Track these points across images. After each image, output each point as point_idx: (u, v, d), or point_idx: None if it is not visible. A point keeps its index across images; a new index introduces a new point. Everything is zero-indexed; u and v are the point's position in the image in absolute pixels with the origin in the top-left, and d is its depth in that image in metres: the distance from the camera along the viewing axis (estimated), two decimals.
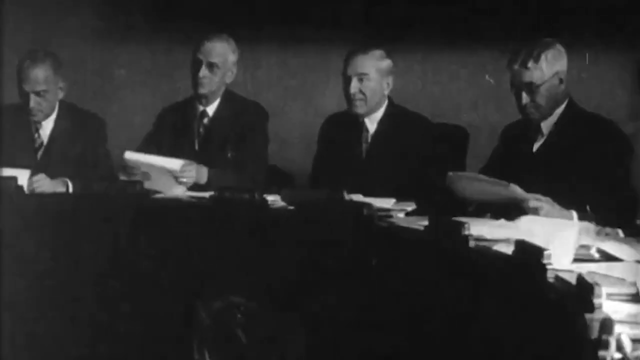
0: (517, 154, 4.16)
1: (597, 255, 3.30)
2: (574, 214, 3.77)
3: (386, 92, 4.66)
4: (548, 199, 3.77)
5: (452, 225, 3.28)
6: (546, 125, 4.08)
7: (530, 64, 4.00)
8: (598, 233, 3.58)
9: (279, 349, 3.82)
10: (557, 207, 3.77)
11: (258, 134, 4.86)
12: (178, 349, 4.03)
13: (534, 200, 3.75)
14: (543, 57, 4.01)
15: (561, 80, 4.05)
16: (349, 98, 4.62)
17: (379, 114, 4.66)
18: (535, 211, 3.71)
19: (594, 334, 2.26)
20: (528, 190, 3.84)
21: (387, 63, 4.64)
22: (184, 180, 4.50)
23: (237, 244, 3.97)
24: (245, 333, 3.88)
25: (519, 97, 4.06)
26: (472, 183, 3.90)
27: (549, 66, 4.02)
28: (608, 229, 3.60)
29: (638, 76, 3.65)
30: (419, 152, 4.54)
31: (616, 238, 3.55)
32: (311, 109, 5.74)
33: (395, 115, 4.67)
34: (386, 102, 4.67)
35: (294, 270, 3.80)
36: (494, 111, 5.51)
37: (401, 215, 3.93)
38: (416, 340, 3.34)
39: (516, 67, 4.04)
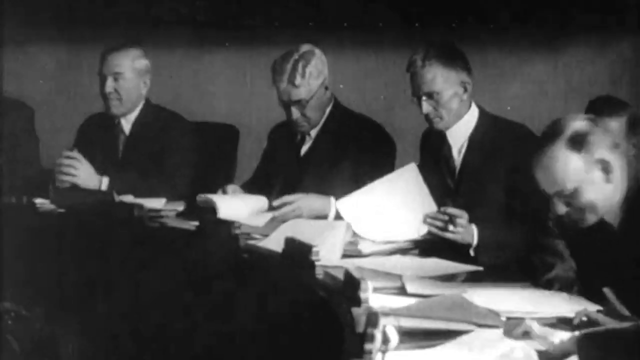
0: (285, 157, 4.18)
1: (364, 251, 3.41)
2: (332, 199, 3.86)
3: (143, 92, 4.57)
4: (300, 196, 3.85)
5: (222, 224, 3.29)
6: (314, 129, 4.12)
7: (297, 81, 3.99)
8: None
9: (51, 354, 3.73)
10: (313, 197, 3.85)
11: (26, 134, 4.71)
12: None
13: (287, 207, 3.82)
14: (308, 71, 4.00)
15: (326, 88, 4.09)
16: (105, 98, 4.52)
17: (134, 114, 4.57)
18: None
19: (361, 327, 2.31)
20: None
21: (143, 63, 4.55)
22: None
23: (5, 249, 3.84)
24: (16, 339, 3.76)
25: (288, 112, 4.06)
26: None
27: (315, 78, 4.02)
28: None
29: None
30: (178, 151, 4.49)
31: None
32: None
33: (151, 114, 4.58)
34: (143, 102, 4.58)
35: (67, 274, 3.72)
36: None
37: (172, 215, 3.91)
38: (193, 337, 3.34)
39: (283, 85, 4.02)
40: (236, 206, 3.78)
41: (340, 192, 3.93)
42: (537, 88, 5.12)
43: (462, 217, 3.49)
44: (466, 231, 3.51)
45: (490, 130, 3.78)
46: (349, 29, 5.05)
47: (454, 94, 3.72)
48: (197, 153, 4.51)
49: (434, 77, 3.71)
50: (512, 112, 4.02)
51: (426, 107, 3.72)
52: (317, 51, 4.05)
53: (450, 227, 3.47)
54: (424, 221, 3.48)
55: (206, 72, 5.54)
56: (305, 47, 4.04)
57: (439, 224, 3.48)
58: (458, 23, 4.89)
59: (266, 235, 3.47)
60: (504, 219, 3.68)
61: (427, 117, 3.75)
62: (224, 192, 3.94)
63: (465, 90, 3.74)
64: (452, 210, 3.50)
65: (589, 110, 3.55)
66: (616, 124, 3.48)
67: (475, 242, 3.52)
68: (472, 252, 3.51)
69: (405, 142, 4.22)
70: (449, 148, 3.79)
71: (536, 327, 2.50)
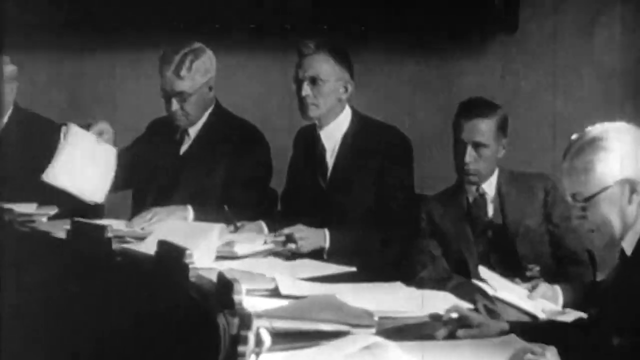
0: (165, 155, 4.15)
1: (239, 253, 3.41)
2: (189, 208, 3.86)
3: (11, 99, 4.50)
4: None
5: (93, 228, 3.25)
6: (193, 129, 4.10)
7: (183, 73, 3.98)
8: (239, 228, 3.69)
9: None
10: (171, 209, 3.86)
11: None
12: None
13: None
14: (195, 66, 4.00)
15: (210, 88, 4.08)
16: None
17: (3, 120, 4.48)
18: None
19: (234, 330, 2.30)
20: (165, 196, 3.90)
21: (11, 69, 4.49)
22: None
23: None
24: None
25: (168, 104, 4.04)
26: None
27: (201, 75, 4.02)
28: (247, 223, 3.71)
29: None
30: (50, 155, 4.42)
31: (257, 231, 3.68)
32: None
33: (20, 120, 4.51)
34: (11, 108, 4.52)
35: None
36: None
37: (44, 219, 3.85)
38: (65, 340, 3.30)
39: (168, 74, 4.01)
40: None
41: (215, 193, 3.94)
42: (409, 89, 5.18)
43: (298, 231, 3.54)
44: (310, 241, 3.56)
45: (363, 131, 3.83)
46: (221, 31, 5.04)
47: (335, 88, 3.77)
48: None
49: (323, 64, 3.77)
50: (382, 113, 4.06)
51: (307, 89, 3.76)
52: (209, 51, 4.06)
53: (293, 245, 3.52)
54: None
55: (81, 75, 5.46)
56: (197, 44, 4.05)
57: (282, 247, 3.53)
58: (330, 25, 4.92)
59: (141, 239, 3.45)
60: (374, 220, 3.73)
61: (303, 101, 3.77)
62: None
63: (346, 90, 3.79)
64: (285, 231, 3.56)
65: (460, 112, 3.62)
66: (486, 125, 3.55)
67: (327, 245, 3.58)
68: (325, 256, 3.56)
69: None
70: (322, 148, 3.82)
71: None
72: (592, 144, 2.68)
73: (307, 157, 3.88)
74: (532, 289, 3.05)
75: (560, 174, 2.75)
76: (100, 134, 3.94)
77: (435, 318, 2.71)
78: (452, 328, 2.62)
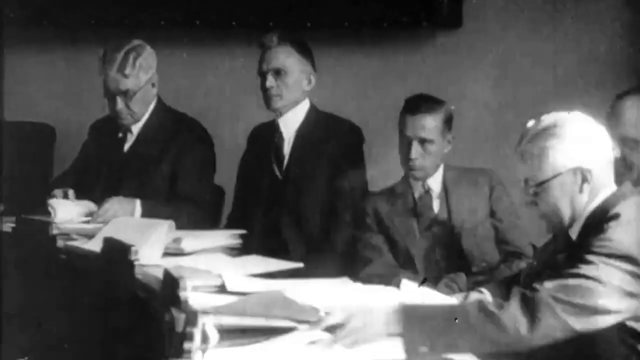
0: (108, 153, 4.12)
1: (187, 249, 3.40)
2: (137, 202, 3.86)
3: None
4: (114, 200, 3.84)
5: (38, 225, 3.23)
6: (136, 126, 4.08)
7: (127, 71, 3.96)
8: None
9: None
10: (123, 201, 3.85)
11: None
12: None
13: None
14: (138, 63, 3.98)
15: (153, 84, 4.06)
16: None
17: None
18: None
19: (180, 326, 2.30)
20: (110, 194, 3.89)
21: None
22: None
23: None
24: None
25: (112, 103, 4.01)
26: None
27: (144, 72, 4.00)
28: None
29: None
30: None
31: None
32: None
33: None
34: None
35: None
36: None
37: None
38: (9, 339, 3.27)
39: (112, 73, 3.97)
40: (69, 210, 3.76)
41: (160, 188, 3.94)
42: (355, 85, 5.20)
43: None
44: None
45: (319, 123, 3.89)
46: (165, 27, 5.03)
47: (299, 80, 3.83)
48: (12, 153, 4.41)
49: (287, 56, 3.84)
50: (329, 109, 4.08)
51: (271, 80, 3.81)
52: (148, 47, 4.04)
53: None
54: None
55: (22, 71, 5.41)
56: (136, 41, 4.04)
57: None
58: (276, 21, 4.93)
59: (89, 236, 3.43)
60: (327, 210, 3.76)
61: (267, 93, 3.82)
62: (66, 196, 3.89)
63: (309, 82, 3.84)
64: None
65: (405, 108, 3.63)
66: (431, 121, 3.57)
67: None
68: None
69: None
70: (280, 137, 3.86)
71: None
72: (547, 131, 2.70)
73: (264, 149, 3.90)
74: (465, 299, 3.06)
75: (515, 158, 2.77)
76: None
77: None
78: None
